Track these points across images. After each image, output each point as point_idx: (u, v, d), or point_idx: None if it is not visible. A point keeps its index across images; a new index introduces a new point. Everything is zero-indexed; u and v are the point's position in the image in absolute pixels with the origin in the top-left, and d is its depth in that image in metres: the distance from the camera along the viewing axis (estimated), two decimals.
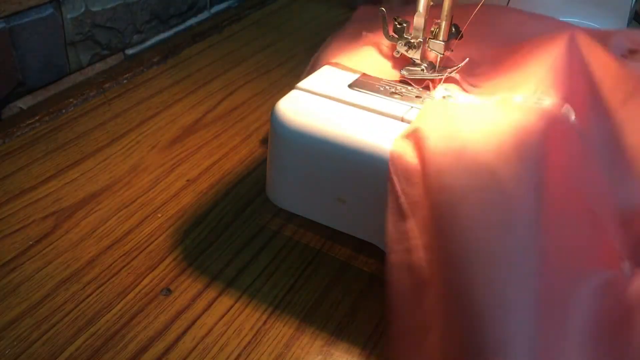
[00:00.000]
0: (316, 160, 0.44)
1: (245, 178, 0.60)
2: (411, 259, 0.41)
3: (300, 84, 0.50)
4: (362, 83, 0.51)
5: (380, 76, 0.52)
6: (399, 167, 0.43)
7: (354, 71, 0.53)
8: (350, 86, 0.50)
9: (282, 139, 0.47)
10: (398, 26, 0.51)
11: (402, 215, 0.42)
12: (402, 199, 0.42)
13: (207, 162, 0.62)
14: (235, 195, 0.58)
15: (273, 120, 0.47)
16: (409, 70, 0.52)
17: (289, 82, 0.68)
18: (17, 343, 0.42)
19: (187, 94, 0.74)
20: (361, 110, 0.48)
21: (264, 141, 0.65)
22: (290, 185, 0.48)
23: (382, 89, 0.50)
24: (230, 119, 0.70)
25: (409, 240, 0.41)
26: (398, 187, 0.42)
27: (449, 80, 0.50)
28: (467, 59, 0.50)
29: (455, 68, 0.50)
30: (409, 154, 0.43)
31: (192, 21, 0.92)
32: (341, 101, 0.48)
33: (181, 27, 0.90)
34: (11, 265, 0.48)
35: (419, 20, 0.50)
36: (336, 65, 0.54)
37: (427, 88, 0.51)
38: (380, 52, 0.55)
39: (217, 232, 0.53)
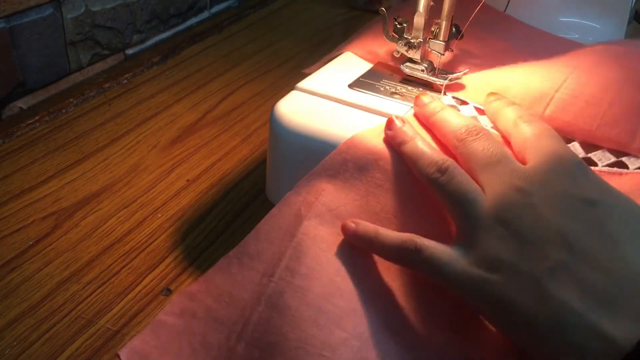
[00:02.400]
0: (316, 161, 0.44)
1: (245, 178, 0.60)
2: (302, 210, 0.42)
3: (300, 84, 0.50)
4: (362, 83, 0.51)
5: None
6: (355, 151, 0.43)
7: (369, 60, 0.54)
8: (350, 86, 0.50)
9: (282, 140, 0.47)
10: (398, 26, 0.51)
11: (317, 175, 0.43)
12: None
13: (207, 163, 0.62)
14: (235, 195, 0.58)
15: (272, 121, 0.47)
16: (409, 67, 0.52)
17: (289, 82, 0.67)
18: (17, 343, 0.42)
19: (187, 94, 0.74)
20: (361, 110, 0.48)
21: (264, 141, 0.65)
22: (290, 185, 0.48)
23: (382, 89, 0.50)
24: (230, 119, 0.70)
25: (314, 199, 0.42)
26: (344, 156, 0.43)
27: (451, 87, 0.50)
28: (467, 70, 0.50)
29: (455, 77, 0.50)
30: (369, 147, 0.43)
31: (192, 21, 0.92)
32: (341, 101, 0.48)
33: (181, 27, 0.90)
34: (11, 265, 0.48)
35: (419, 20, 0.50)
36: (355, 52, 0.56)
37: (427, 87, 0.51)
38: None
39: (217, 232, 0.53)
